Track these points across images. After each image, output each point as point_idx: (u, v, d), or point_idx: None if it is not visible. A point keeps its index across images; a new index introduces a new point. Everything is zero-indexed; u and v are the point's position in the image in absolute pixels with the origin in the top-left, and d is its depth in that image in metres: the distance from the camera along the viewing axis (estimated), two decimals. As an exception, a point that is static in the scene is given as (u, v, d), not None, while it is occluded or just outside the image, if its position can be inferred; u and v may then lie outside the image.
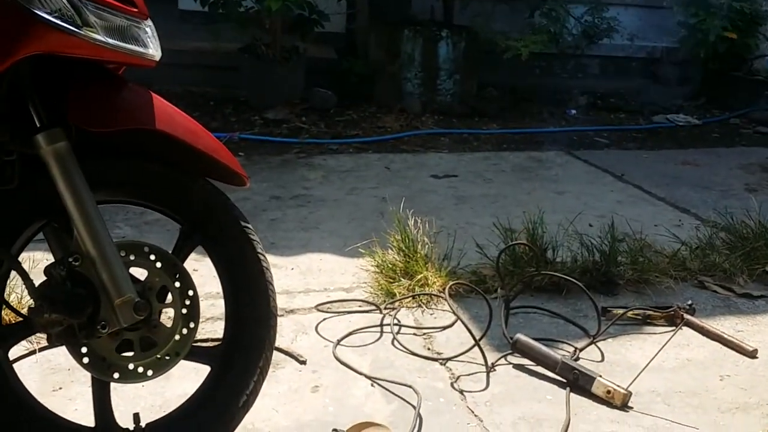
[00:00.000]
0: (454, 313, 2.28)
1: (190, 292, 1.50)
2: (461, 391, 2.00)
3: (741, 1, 5.64)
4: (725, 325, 2.42)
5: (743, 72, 5.96)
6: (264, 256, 1.63)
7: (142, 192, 1.52)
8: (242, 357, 1.59)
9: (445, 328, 2.35)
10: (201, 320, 2.23)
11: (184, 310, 1.49)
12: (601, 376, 1.99)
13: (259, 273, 1.59)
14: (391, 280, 2.56)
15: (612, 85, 6.11)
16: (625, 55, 6.19)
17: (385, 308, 2.43)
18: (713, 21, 5.60)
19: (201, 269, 2.19)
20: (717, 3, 5.69)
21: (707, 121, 5.53)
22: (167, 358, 1.48)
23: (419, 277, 2.56)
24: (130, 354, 1.45)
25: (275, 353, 2.08)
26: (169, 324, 1.49)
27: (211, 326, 2.22)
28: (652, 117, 5.54)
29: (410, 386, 1.97)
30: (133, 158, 1.50)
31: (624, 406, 1.94)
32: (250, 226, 1.60)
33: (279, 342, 2.16)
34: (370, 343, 2.23)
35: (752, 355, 2.23)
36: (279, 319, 2.29)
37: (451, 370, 2.11)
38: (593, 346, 2.28)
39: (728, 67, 5.87)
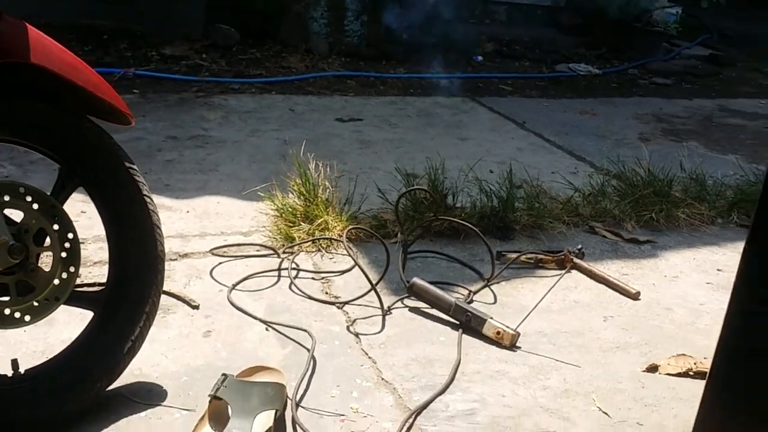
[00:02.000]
0: (351, 257, 2.28)
1: (70, 235, 1.44)
2: (356, 334, 2.01)
3: (643, -47, 5.76)
4: (612, 268, 2.51)
5: (642, 23, 6.12)
6: (150, 199, 1.58)
7: (18, 130, 1.43)
8: (127, 302, 1.55)
9: (343, 272, 2.35)
10: (89, 264, 2.19)
11: (63, 254, 1.44)
12: (492, 318, 2.04)
13: (144, 215, 1.55)
14: (291, 225, 2.54)
15: (518, 32, 6.16)
16: (531, 3, 6.24)
17: (284, 252, 2.41)
18: (616, -29, 5.71)
19: (89, 210, 2.11)
20: (620, -47, 5.80)
21: (607, 71, 5.67)
22: (46, 302, 1.43)
23: (319, 221, 2.54)
24: (6, 299, 1.39)
25: (167, 298, 2.06)
26: (47, 268, 1.43)
27: (100, 270, 2.16)
28: (555, 66, 5.64)
29: (305, 330, 1.97)
30: (7, 95, 1.41)
31: (512, 346, 2.00)
32: (135, 167, 1.54)
33: (171, 286, 2.13)
34: (266, 288, 2.21)
35: (635, 297, 2.33)
36: (172, 263, 2.27)
37: (347, 313, 2.12)
38: (487, 288, 2.33)
39: (629, 17, 6.01)
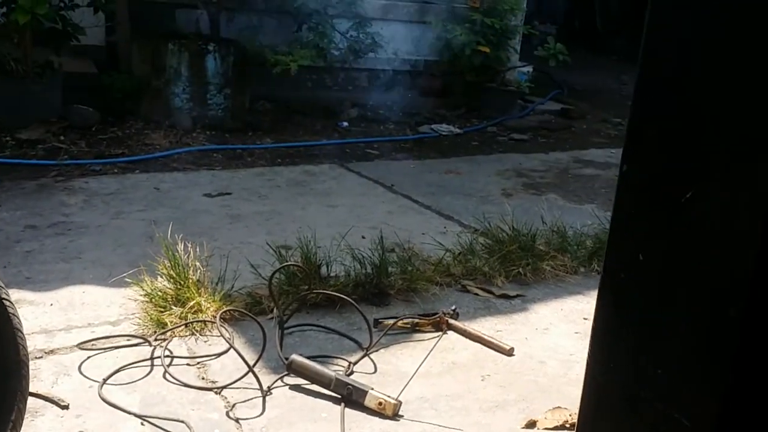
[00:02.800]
0: (225, 340, 2.25)
1: None
2: (237, 420, 1.97)
3: (492, 18, 6.08)
4: (486, 326, 2.59)
5: (497, 83, 6.44)
6: (10, 301, 1.51)
7: None
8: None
9: (219, 354, 2.30)
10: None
11: None
12: (372, 389, 2.05)
13: (3, 321, 1.47)
14: (162, 310, 2.47)
15: (380, 97, 6.33)
16: (390, 68, 6.44)
17: (155, 340, 2.34)
18: (468, 36, 5.99)
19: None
20: (471, 19, 6.10)
21: (467, 130, 5.90)
22: None
23: (192, 303, 2.49)
24: None
25: (34, 400, 1.95)
26: None
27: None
28: (418, 127, 5.82)
29: (182, 421, 1.92)
30: None
31: (395, 416, 2.02)
32: (-10, 271, 1.47)
33: (37, 387, 2.02)
34: (139, 379, 2.14)
35: (509, 353, 2.41)
36: (37, 362, 2.16)
37: (226, 398, 2.08)
38: (366, 358, 2.35)
39: (484, 78, 6.31)
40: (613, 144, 5.79)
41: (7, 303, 1.50)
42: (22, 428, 1.54)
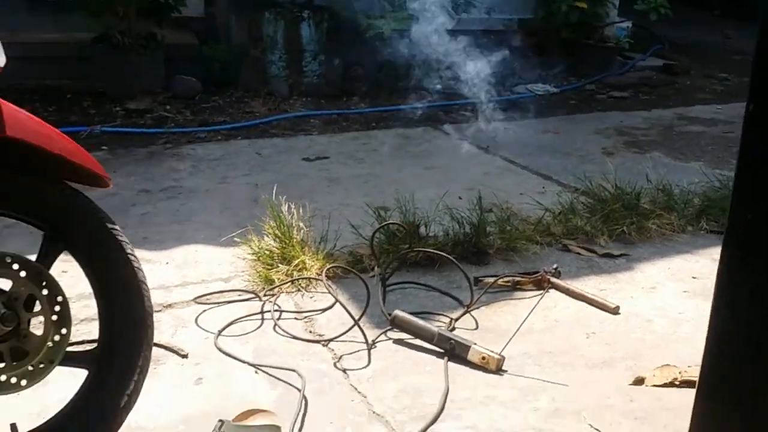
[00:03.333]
0: (332, 294, 2.31)
1: (59, 298, 1.45)
2: (344, 370, 2.04)
3: (589, -28, 5.91)
4: (589, 285, 2.57)
5: (595, 40, 6.27)
6: (134, 256, 1.60)
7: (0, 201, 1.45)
8: (120, 358, 1.56)
9: (325, 310, 2.38)
10: (76, 322, 2.19)
11: (54, 317, 1.45)
12: (476, 344, 2.08)
13: (130, 274, 1.56)
14: (269, 267, 2.56)
15: (474, 57, 6.26)
16: (484, 28, 6.36)
17: (265, 295, 2.43)
18: (564, -9, 5.86)
19: (71, 270, 2.11)
20: (566, -26, 5.95)
21: (564, 88, 5.79)
22: (41, 366, 1.44)
23: (297, 261, 2.57)
24: (1, 365, 1.40)
25: (156, 349, 2.07)
26: (39, 332, 1.44)
27: (87, 327, 2.16)
28: (514, 88, 5.74)
29: (294, 370, 1.99)
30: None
31: (499, 370, 2.04)
32: (117, 227, 1.56)
33: (158, 337, 2.13)
34: (251, 332, 2.23)
35: (615, 311, 2.39)
36: (157, 315, 2.27)
37: (333, 350, 2.15)
38: (468, 315, 2.37)
39: (581, 35, 6.15)
40: (720, 100, 5.57)
41: (132, 258, 1.59)
42: (147, 375, 1.64)
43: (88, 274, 1.54)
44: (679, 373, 1.97)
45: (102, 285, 1.54)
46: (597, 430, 1.78)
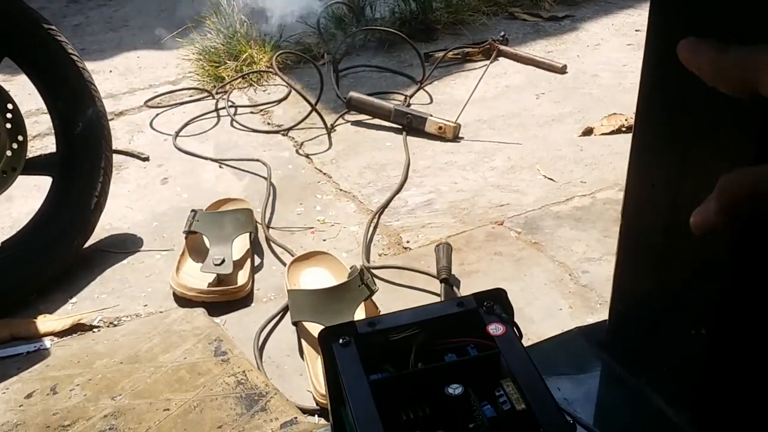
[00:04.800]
0: (286, 83, 2.30)
1: (9, 106, 1.44)
2: (307, 155, 2.08)
3: None
4: (536, 49, 2.59)
5: None
6: (77, 56, 1.57)
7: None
8: (82, 160, 1.57)
9: (280, 101, 2.38)
10: (30, 139, 2.18)
11: (8, 125, 1.44)
12: (431, 115, 2.12)
13: (76, 74, 1.54)
14: (217, 65, 2.52)
15: None
16: None
17: (217, 93, 2.41)
18: None
19: (12, 89, 2.07)
20: None
21: None
22: (4, 175, 1.45)
23: (244, 56, 2.53)
24: (-36, 177, 1.41)
25: (116, 156, 2.08)
26: (-4, 141, 1.44)
27: (41, 142, 2.15)
28: None
29: (258, 159, 2.03)
30: None
31: (455, 138, 2.10)
32: (53, 27, 1.51)
33: (116, 144, 2.12)
34: (209, 129, 2.24)
35: (562, 71, 2.43)
36: (112, 123, 2.26)
37: (293, 138, 2.17)
38: (421, 90, 2.40)
39: None
40: None
41: (75, 58, 1.56)
42: (112, 182, 1.66)
43: (33, 81, 1.52)
44: (625, 120, 2.05)
45: (50, 89, 1.52)
46: (550, 179, 1.87)
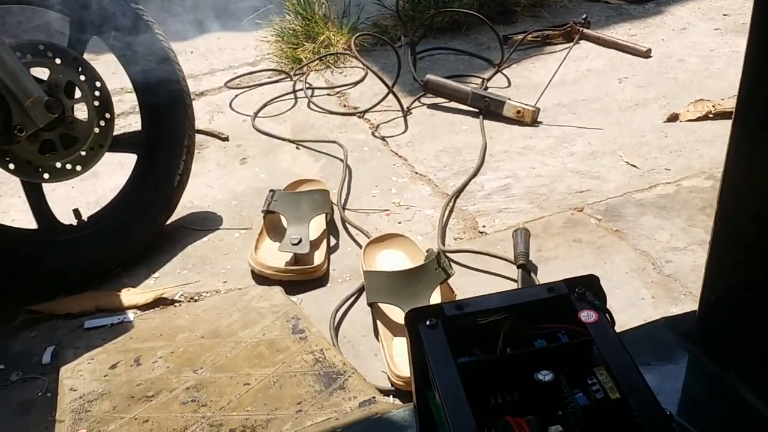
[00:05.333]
0: (364, 64, 2.30)
1: (98, 83, 1.47)
2: (383, 138, 2.08)
3: None
4: (619, 32, 2.52)
5: None
6: (163, 35, 1.59)
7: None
8: (165, 139, 1.61)
9: (356, 83, 2.38)
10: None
11: (96, 102, 1.48)
12: (510, 99, 2.09)
13: (162, 52, 1.57)
14: (295, 47, 2.54)
15: None
16: None
17: (295, 75, 2.43)
18: None
19: (98, 68, 2.12)
20: None
21: None
22: (92, 151, 1.48)
23: (322, 38, 2.54)
24: (55, 153, 1.45)
25: (197, 135, 2.11)
26: (84, 118, 1.48)
27: (125, 120, 2.20)
28: None
29: (334, 141, 2.04)
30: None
31: (534, 122, 2.06)
32: (140, 6, 1.54)
33: (197, 124, 2.17)
34: (287, 111, 2.26)
35: (646, 55, 2.36)
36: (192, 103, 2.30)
37: (369, 120, 2.17)
38: (499, 74, 2.37)
39: None
40: None
41: (161, 37, 1.59)
42: (193, 161, 1.69)
43: (119, 58, 1.55)
44: (713, 106, 1.98)
45: (134, 66, 1.55)
46: (633, 165, 1.82)
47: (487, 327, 0.67)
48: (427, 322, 0.67)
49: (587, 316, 0.65)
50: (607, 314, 0.67)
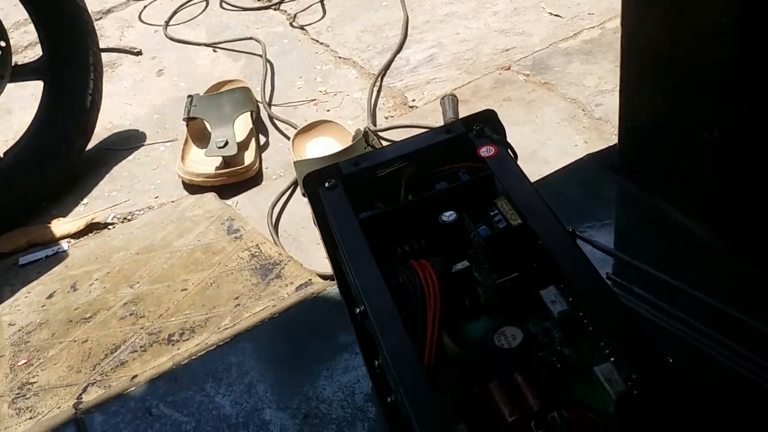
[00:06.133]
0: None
1: (-19, 9, 1.38)
2: (302, 27, 2.01)
3: None
4: None
5: None
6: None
7: None
8: (68, 60, 1.53)
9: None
10: (21, 50, 2.13)
11: (-14, 31, 1.39)
12: (426, -33, 2.01)
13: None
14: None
15: None
16: None
17: (202, -24, 2.32)
18: None
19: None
20: None
21: None
22: (-8, 83, 1.41)
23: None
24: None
25: (109, 54, 2.03)
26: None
27: (34, 51, 2.10)
28: None
29: (251, 38, 1.96)
30: None
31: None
32: None
33: (107, 42, 2.08)
34: (199, 14, 2.16)
35: None
36: (99, 23, 2.20)
37: (286, 11, 2.09)
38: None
39: None
40: None
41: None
42: (106, 79, 1.62)
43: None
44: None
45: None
46: (556, 15, 1.78)
47: (390, 179, 0.65)
48: (326, 184, 0.65)
49: (486, 151, 0.63)
50: (507, 147, 0.65)
